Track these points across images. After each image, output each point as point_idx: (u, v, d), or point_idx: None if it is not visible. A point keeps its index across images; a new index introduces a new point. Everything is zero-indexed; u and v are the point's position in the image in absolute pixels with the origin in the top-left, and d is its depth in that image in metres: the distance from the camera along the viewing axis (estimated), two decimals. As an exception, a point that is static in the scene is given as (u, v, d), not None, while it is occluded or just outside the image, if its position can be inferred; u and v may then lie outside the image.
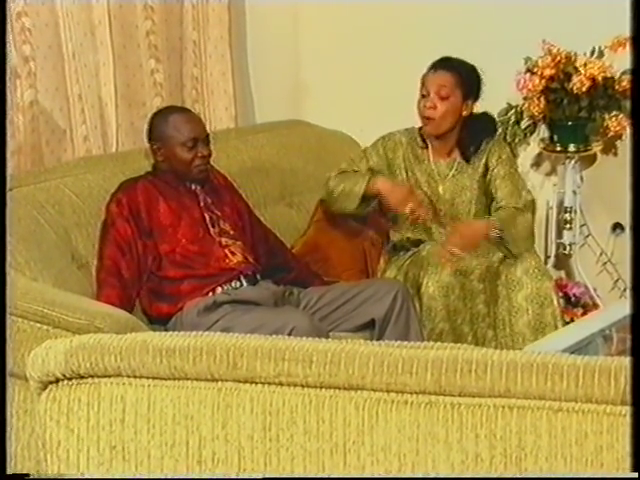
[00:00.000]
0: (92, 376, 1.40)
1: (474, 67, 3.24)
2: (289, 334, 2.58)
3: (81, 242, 2.94)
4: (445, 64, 3.24)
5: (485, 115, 3.36)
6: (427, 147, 3.34)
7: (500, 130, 3.52)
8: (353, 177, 3.28)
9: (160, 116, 3.07)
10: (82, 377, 1.40)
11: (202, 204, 3.04)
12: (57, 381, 1.41)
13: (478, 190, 3.31)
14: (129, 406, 1.38)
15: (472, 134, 3.30)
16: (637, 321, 1.54)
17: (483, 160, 3.32)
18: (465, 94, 3.22)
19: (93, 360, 1.39)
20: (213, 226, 3.02)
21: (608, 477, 1.24)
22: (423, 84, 3.23)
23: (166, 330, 2.78)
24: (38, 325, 2.42)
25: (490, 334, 3.17)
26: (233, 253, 2.99)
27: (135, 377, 1.39)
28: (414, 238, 3.34)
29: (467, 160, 3.31)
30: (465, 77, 3.22)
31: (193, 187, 3.06)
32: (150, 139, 3.06)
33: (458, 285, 3.08)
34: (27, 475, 1.43)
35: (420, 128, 3.32)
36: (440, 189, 3.32)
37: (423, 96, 3.22)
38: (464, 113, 3.25)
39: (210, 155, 3.04)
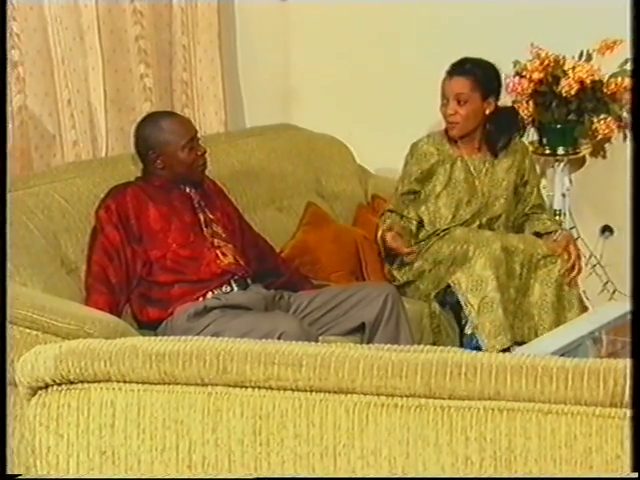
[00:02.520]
0: (82, 381, 1.39)
1: (491, 65, 3.29)
2: (278, 338, 2.58)
3: (70, 247, 2.94)
4: (459, 69, 3.29)
5: (509, 110, 3.42)
6: (456, 145, 3.38)
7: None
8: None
9: (150, 124, 3.04)
10: (72, 382, 1.40)
11: (196, 206, 3.04)
12: (47, 386, 1.41)
13: (513, 184, 3.40)
14: (119, 411, 1.38)
15: (499, 130, 3.37)
16: (637, 322, 1.54)
17: (518, 157, 3.41)
18: (484, 94, 3.28)
19: (83, 365, 1.38)
20: (206, 227, 3.02)
21: (609, 477, 1.24)
22: (442, 90, 3.30)
23: (156, 335, 2.78)
24: (27, 330, 2.41)
25: (510, 319, 3.19)
26: (224, 254, 2.99)
27: (125, 382, 1.38)
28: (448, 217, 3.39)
29: (495, 155, 3.38)
30: (481, 78, 3.27)
31: (187, 190, 3.06)
32: (146, 149, 3.02)
33: (504, 261, 3.15)
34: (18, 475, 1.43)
35: (446, 131, 3.37)
36: (477, 183, 3.37)
37: (444, 103, 3.30)
38: (487, 111, 3.31)
39: (206, 151, 3.05)
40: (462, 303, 3.15)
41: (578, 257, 3.33)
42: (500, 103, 3.54)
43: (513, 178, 3.40)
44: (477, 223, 3.38)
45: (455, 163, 3.37)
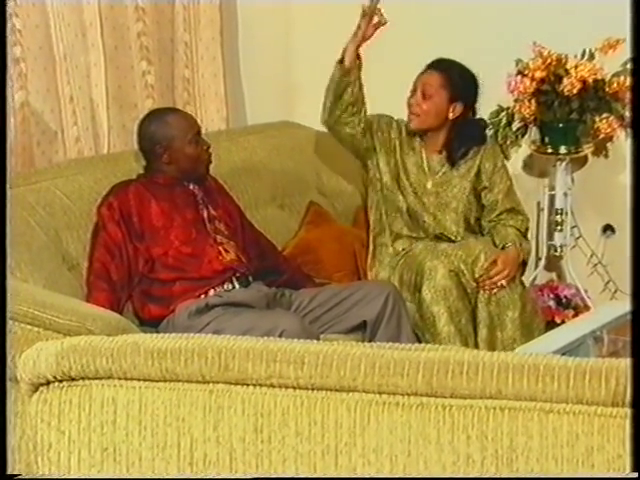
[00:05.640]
0: (83, 378, 1.39)
1: (471, 74, 3.25)
2: (279, 336, 2.57)
3: (72, 244, 2.94)
4: (436, 64, 3.27)
5: (477, 122, 3.38)
6: (419, 139, 3.36)
7: (492, 133, 3.54)
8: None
9: (156, 119, 3.05)
10: (73, 379, 1.40)
11: (200, 202, 3.05)
12: (48, 383, 1.41)
13: (468, 190, 3.33)
14: (120, 408, 1.38)
15: (459, 139, 3.32)
16: (637, 322, 1.54)
17: (477, 162, 3.35)
18: (452, 96, 3.24)
19: (84, 362, 1.38)
20: (209, 222, 3.03)
21: (610, 477, 1.24)
22: (414, 81, 3.28)
23: (157, 332, 2.78)
24: (29, 327, 2.41)
25: (484, 332, 3.16)
26: (227, 251, 2.99)
27: (126, 379, 1.38)
28: (408, 234, 3.36)
29: (452, 164, 3.33)
30: (454, 79, 3.23)
31: (191, 187, 3.06)
32: (152, 144, 3.01)
33: (454, 285, 3.09)
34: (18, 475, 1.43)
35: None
36: (429, 184, 3.34)
37: (412, 93, 3.27)
38: (450, 115, 3.26)
39: (210, 146, 3.06)
40: (423, 342, 3.10)
41: (503, 274, 3.15)
42: (501, 102, 3.56)
43: (468, 185, 3.32)
44: (429, 238, 3.32)
45: (413, 150, 3.34)
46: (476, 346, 3.13)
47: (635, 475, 1.20)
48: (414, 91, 3.27)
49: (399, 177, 3.36)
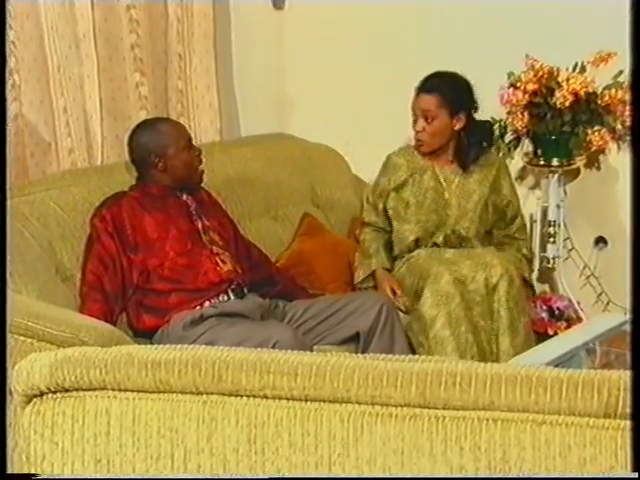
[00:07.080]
0: (77, 389, 1.39)
1: (461, 80, 3.28)
2: (273, 347, 2.58)
3: (66, 255, 2.94)
4: (427, 86, 3.28)
5: (482, 125, 3.41)
6: (428, 157, 3.39)
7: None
8: (367, 254, 3.43)
9: (148, 129, 3.06)
10: (67, 390, 1.40)
11: (193, 212, 3.05)
12: (42, 394, 1.41)
13: (487, 196, 3.38)
14: (114, 419, 1.38)
15: (468, 145, 3.36)
16: (637, 332, 1.54)
17: (494, 172, 3.41)
18: (452, 110, 3.27)
19: (78, 373, 1.38)
20: (204, 233, 3.03)
21: (609, 477, 1.24)
22: (412, 107, 3.31)
23: (151, 343, 2.78)
24: (22, 338, 2.41)
25: (489, 348, 3.16)
26: (224, 262, 3.00)
27: (120, 390, 1.38)
28: (412, 241, 3.38)
29: (464, 169, 3.37)
30: (449, 95, 3.26)
31: (184, 197, 3.07)
32: (147, 153, 3.02)
33: (457, 293, 3.10)
34: (34, 475, 1.42)
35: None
36: (446, 194, 3.37)
37: (414, 120, 3.31)
38: (456, 127, 3.30)
39: (201, 152, 3.08)
40: (414, 345, 3.10)
41: None
42: (494, 114, 3.57)
43: (486, 192, 3.38)
44: (441, 238, 3.35)
45: (425, 172, 3.38)
46: (493, 355, 3.13)
47: (635, 475, 1.21)
48: (415, 117, 3.30)
49: (421, 203, 3.38)
